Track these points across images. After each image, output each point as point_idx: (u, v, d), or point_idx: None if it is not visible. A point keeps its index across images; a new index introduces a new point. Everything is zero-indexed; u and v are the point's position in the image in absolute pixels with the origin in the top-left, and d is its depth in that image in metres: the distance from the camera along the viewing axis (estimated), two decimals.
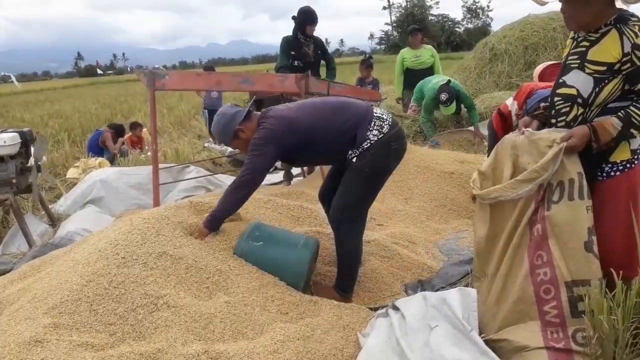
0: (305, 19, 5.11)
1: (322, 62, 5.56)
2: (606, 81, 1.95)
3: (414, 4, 57.69)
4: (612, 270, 1.81)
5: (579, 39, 2.05)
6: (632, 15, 1.94)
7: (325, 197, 2.84)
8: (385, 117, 2.57)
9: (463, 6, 61.88)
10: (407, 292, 2.80)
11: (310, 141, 2.55)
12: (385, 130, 2.52)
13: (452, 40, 53.24)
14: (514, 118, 4.02)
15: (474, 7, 61.32)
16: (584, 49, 2.01)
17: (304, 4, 5.28)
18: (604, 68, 1.94)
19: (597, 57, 1.95)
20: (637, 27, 1.89)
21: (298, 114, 2.59)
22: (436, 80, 6.47)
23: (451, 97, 6.04)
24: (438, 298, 2.05)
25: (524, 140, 2.09)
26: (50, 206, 4.75)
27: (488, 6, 62.32)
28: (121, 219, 3.10)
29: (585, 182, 1.94)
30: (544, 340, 1.91)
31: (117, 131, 7.90)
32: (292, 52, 5.18)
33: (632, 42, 1.88)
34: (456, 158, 4.87)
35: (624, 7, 1.97)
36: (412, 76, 7.35)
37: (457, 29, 59.26)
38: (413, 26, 8.14)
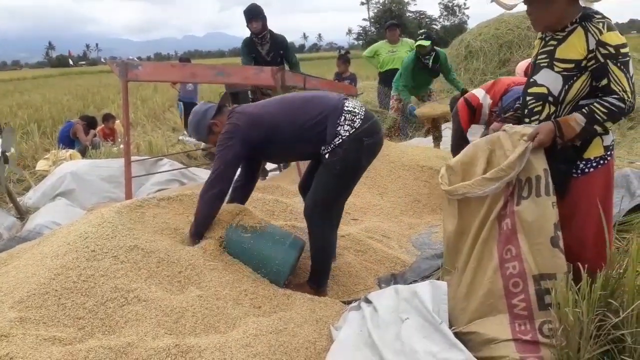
0: (246, 15, 4.96)
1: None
2: (575, 78, 1.98)
3: (392, 0, 57.89)
4: (579, 265, 1.86)
5: (547, 39, 2.09)
6: (596, 12, 1.98)
7: (305, 189, 2.84)
8: (357, 111, 2.53)
9: (440, 3, 62.39)
10: (380, 286, 2.82)
11: (276, 136, 2.54)
12: (357, 124, 2.49)
13: None
14: (485, 112, 3.88)
15: (450, 4, 61.88)
16: (552, 47, 2.04)
17: None
18: (571, 65, 1.97)
19: (565, 55, 1.99)
20: (601, 24, 1.92)
21: (263, 110, 2.62)
22: None
23: (429, 35, 5.88)
24: (409, 291, 2.07)
25: (501, 135, 2.11)
26: (18, 199, 4.63)
27: (464, 4, 62.92)
28: (92, 212, 3.05)
29: (550, 179, 1.97)
30: (511, 333, 1.94)
31: (89, 123, 7.74)
32: (252, 54, 5.10)
33: (597, 38, 1.91)
34: (431, 154, 4.92)
35: (587, 5, 2.00)
36: (388, 74, 7.35)
37: (434, 26, 59.71)
38: (391, 22, 8.08)
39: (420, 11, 61.42)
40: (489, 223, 2.03)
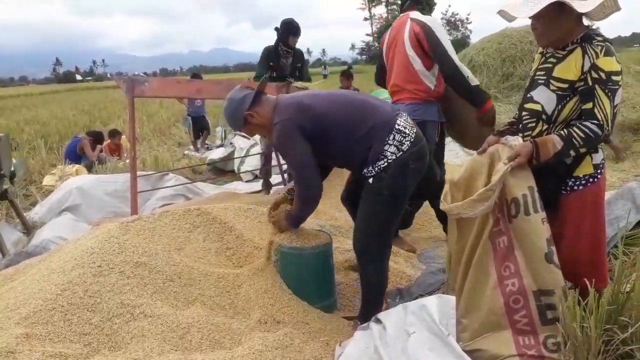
0: (288, 30, 5.08)
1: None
2: (568, 99, 1.97)
3: (394, 16, 58.35)
4: (586, 280, 1.85)
5: (547, 55, 2.07)
6: (598, 34, 1.96)
7: (349, 200, 2.72)
8: (407, 132, 2.34)
9: (443, 18, 62.68)
10: (386, 301, 2.81)
11: (325, 130, 2.35)
12: (405, 147, 2.31)
13: None
14: None
15: (453, 19, 62.22)
16: (550, 65, 2.03)
17: (287, 13, 5.32)
18: (566, 85, 1.96)
19: (561, 74, 1.98)
20: (599, 47, 1.90)
21: (312, 100, 2.42)
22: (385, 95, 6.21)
23: None
24: (417, 305, 2.05)
25: (500, 148, 2.11)
26: (25, 214, 4.65)
27: (467, 18, 63.19)
28: (98, 227, 3.06)
29: (537, 195, 1.95)
30: (516, 348, 1.93)
31: (96, 138, 7.79)
32: (271, 63, 5.16)
33: (592, 62, 1.89)
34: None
35: (588, 23, 1.98)
36: None
37: None
38: None
39: None
40: (482, 242, 2.01)
